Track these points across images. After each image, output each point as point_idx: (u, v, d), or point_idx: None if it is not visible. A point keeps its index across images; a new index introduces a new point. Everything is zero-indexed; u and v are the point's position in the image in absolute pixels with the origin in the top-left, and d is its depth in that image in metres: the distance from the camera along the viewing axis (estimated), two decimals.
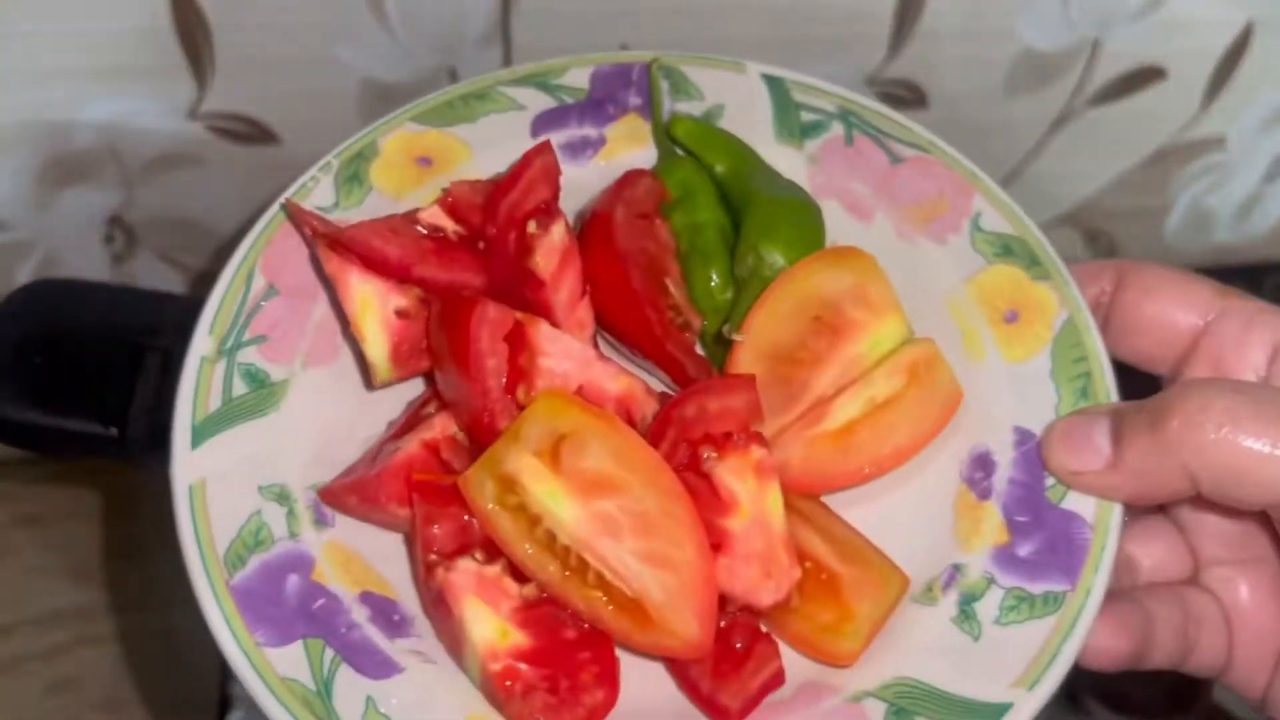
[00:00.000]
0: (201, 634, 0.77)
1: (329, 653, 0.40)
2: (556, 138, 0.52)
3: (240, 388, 0.45)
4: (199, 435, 0.43)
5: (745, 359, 0.45)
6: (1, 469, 0.83)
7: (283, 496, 0.43)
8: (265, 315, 0.46)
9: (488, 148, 0.52)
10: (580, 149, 0.53)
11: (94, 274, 0.77)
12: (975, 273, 0.48)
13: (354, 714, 0.38)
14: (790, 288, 0.45)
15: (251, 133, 0.71)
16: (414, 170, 0.51)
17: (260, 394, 0.45)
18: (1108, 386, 0.44)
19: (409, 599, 0.43)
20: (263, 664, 0.39)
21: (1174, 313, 0.45)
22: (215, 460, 0.43)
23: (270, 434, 0.44)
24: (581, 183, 0.52)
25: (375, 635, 0.41)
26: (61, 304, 0.58)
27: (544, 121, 0.53)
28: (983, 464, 0.45)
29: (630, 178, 0.50)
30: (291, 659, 0.39)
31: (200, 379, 0.44)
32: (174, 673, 0.77)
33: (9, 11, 0.63)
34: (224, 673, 0.72)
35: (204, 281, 0.79)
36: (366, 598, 0.42)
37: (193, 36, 0.66)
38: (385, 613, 0.42)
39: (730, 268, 0.48)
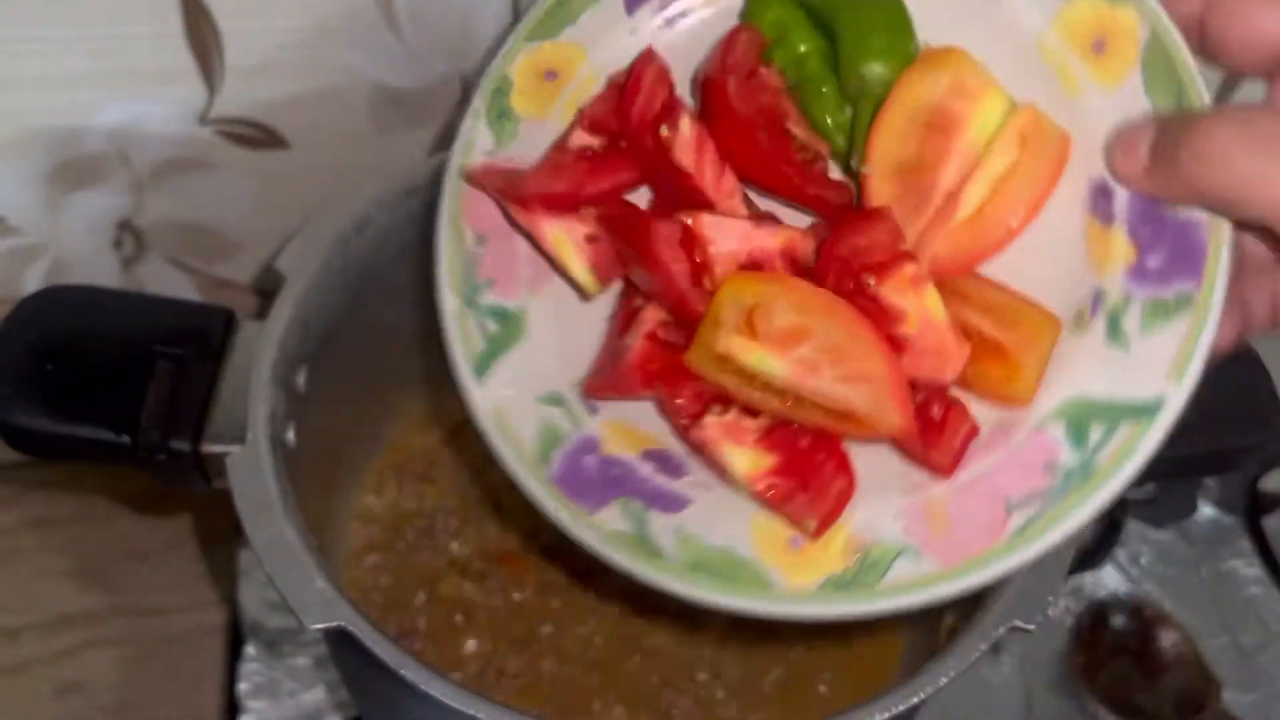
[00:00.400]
0: (208, 637, 0.77)
1: (635, 504, 0.49)
2: (650, 9, 0.55)
3: (492, 326, 0.52)
4: (479, 373, 0.51)
5: (877, 186, 0.49)
6: (9, 472, 0.83)
7: (556, 399, 0.52)
8: (485, 263, 0.53)
9: (596, 45, 0.55)
10: (673, 17, 0.55)
11: (103, 279, 0.77)
12: (1058, 10, 0.50)
13: (669, 543, 0.48)
14: (897, 107, 0.49)
15: (261, 138, 0.72)
16: (545, 87, 0.55)
17: (510, 327, 0.53)
18: (1199, 91, 0.46)
19: (677, 446, 0.51)
20: (597, 526, 0.48)
21: (1264, 21, 0.45)
22: (498, 388, 0.51)
23: (529, 354, 0.52)
24: (685, 46, 0.55)
25: (663, 481, 0.50)
26: (72, 310, 0.59)
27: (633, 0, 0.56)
28: (1103, 192, 0.48)
29: (730, 39, 0.53)
30: (612, 517, 0.49)
31: (460, 330, 0.52)
32: (181, 677, 0.77)
33: (18, 16, 0.64)
34: (231, 676, 0.73)
35: (213, 286, 0.80)
36: (647, 455, 0.51)
37: (203, 41, 0.66)
38: (664, 462, 0.51)
39: (839, 86, 0.52)
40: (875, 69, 0.50)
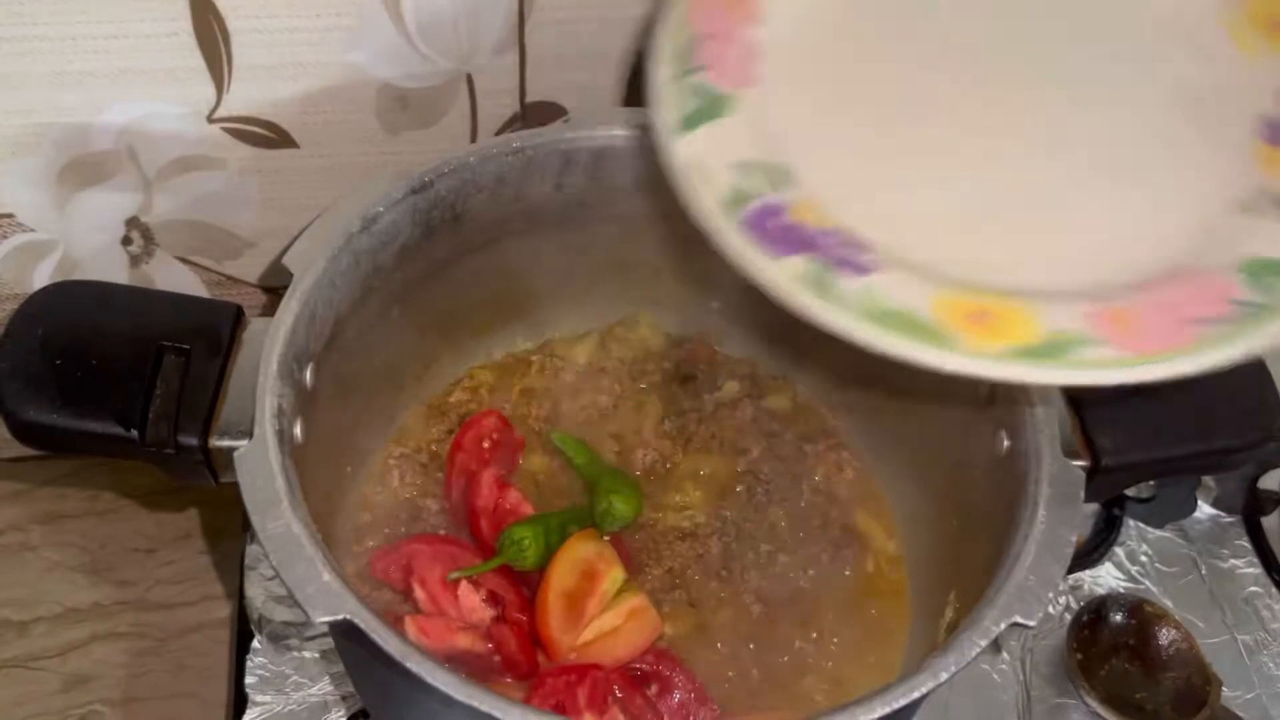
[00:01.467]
0: (215, 630, 0.77)
1: (818, 261, 0.52)
2: None
3: (696, 101, 0.57)
4: (680, 131, 0.56)
5: (552, 602, 0.65)
6: (19, 466, 0.84)
7: (746, 168, 0.55)
8: (701, 53, 0.58)
9: None
10: None
11: (112, 275, 0.77)
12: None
13: (851, 292, 0.51)
14: (566, 556, 0.66)
15: (269, 137, 0.72)
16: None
17: (714, 105, 0.57)
18: None
19: (865, 234, 0.54)
20: (781, 268, 0.52)
21: None
22: (693, 146, 0.56)
23: (728, 130, 0.56)
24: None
25: (847, 253, 0.52)
26: (81, 306, 0.59)
27: None
28: (1270, 126, 0.56)
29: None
30: (796, 265, 0.52)
31: (668, 95, 0.57)
32: (189, 670, 0.78)
33: (29, 15, 0.64)
34: (239, 669, 0.73)
35: (221, 283, 0.80)
36: (832, 232, 0.53)
37: (212, 41, 0.67)
38: (849, 240, 0.53)
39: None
40: (617, 503, 0.69)
